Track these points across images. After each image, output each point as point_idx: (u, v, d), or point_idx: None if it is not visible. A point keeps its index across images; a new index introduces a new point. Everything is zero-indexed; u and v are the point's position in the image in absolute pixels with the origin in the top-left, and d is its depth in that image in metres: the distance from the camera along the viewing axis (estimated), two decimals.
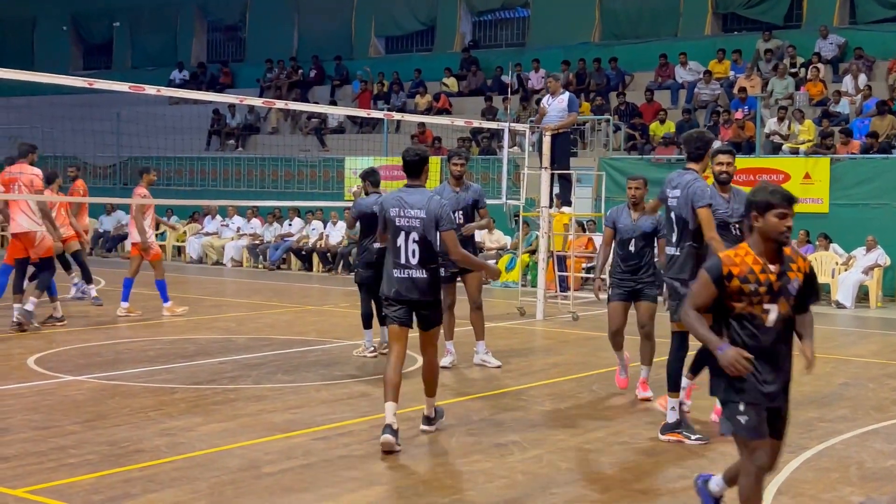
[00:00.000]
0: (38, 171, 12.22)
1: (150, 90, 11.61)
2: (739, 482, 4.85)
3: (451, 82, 26.32)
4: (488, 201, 10.48)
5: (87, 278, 14.13)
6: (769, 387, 4.74)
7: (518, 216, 16.15)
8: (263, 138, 27.13)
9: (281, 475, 6.16)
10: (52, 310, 12.42)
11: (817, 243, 17.46)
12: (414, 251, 6.87)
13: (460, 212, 9.82)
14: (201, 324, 13.01)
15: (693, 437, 7.22)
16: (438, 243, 6.94)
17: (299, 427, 7.38)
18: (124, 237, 25.03)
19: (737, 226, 7.35)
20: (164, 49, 33.18)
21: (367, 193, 10.75)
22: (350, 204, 21.42)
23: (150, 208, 13.65)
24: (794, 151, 18.99)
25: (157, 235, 24.96)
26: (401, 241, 6.90)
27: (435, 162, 19.97)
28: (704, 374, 7.50)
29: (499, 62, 26.12)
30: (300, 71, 29.12)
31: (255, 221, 23.59)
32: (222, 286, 18.93)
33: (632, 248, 8.66)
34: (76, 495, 5.65)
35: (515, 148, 19.97)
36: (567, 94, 14.84)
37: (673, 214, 7.29)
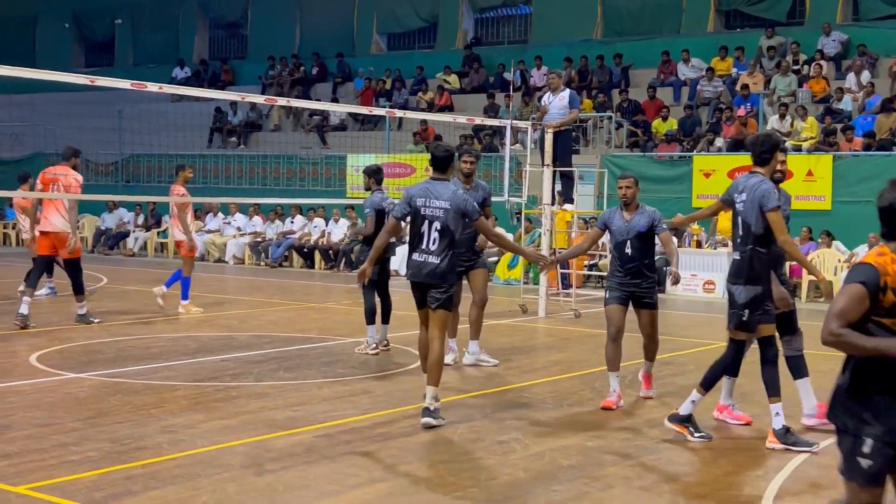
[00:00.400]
0: (79, 176, 12.48)
1: (152, 87, 11.63)
2: None
3: (453, 79, 26.29)
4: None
5: (47, 274, 14.51)
6: None
7: (520, 213, 16.14)
8: (265, 136, 27.12)
9: (282, 472, 6.16)
10: (79, 308, 12.47)
11: (820, 241, 17.42)
12: (435, 239, 7.50)
13: None
14: (203, 321, 13.01)
15: (696, 434, 7.20)
16: (458, 234, 7.62)
17: (301, 424, 7.38)
18: (126, 234, 25.10)
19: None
20: (165, 46, 33.18)
21: (369, 189, 10.77)
22: (347, 202, 21.36)
23: (188, 205, 13.82)
24: (797, 149, 18.97)
25: (159, 233, 25.06)
26: (424, 228, 7.53)
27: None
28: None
29: (501, 59, 26.10)
30: (302, 68, 29.11)
31: (257, 219, 23.59)
32: (224, 283, 18.92)
33: (628, 251, 8.28)
34: (78, 492, 5.64)
35: (517, 145, 19.96)
36: (568, 91, 14.81)
37: (739, 219, 7.11)
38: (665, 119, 21.61)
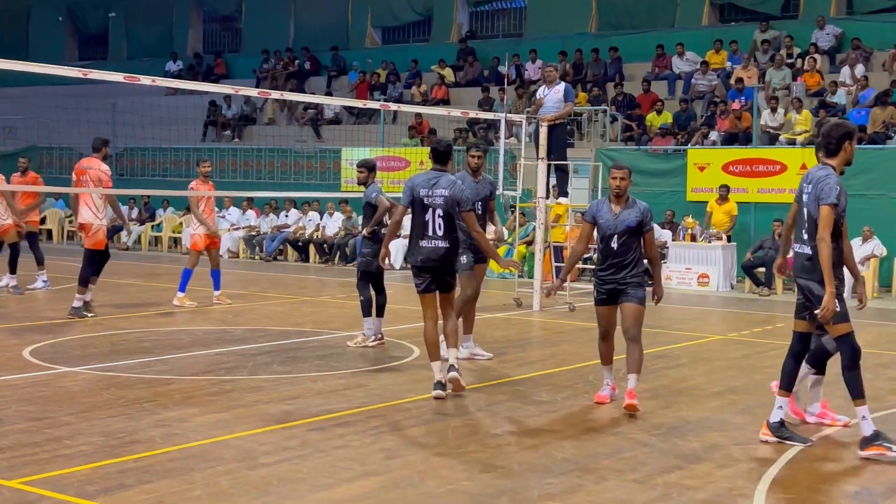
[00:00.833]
0: (107, 168, 12.54)
1: (146, 80, 11.58)
2: None
3: (447, 72, 26.25)
4: None
5: (13, 269, 14.60)
6: None
7: (514, 207, 16.11)
8: (260, 129, 27.08)
9: (276, 466, 6.15)
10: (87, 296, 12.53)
11: None
12: (440, 224, 8.15)
13: (479, 202, 9.78)
14: (197, 314, 13.00)
15: (892, 446, 6.63)
16: (458, 219, 8.26)
17: (295, 418, 7.37)
18: (120, 228, 25.03)
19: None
20: (159, 39, 33.11)
21: (363, 183, 10.77)
22: (341, 195, 21.30)
23: (200, 199, 13.79)
24: (791, 142, 18.98)
25: (152, 227, 25.01)
26: (428, 216, 8.17)
27: (425, 152, 19.94)
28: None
29: (496, 53, 26.08)
30: (296, 61, 29.06)
31: (252, 212, 23.56)
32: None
33: (614, 245, 7.83)
34: (71, 486, 5.63)
35: (512, 139, 19.95)
36: (563, 84, 14.80)
37: (805, 211, 6.82)
38: (659, 112, 21.61)
